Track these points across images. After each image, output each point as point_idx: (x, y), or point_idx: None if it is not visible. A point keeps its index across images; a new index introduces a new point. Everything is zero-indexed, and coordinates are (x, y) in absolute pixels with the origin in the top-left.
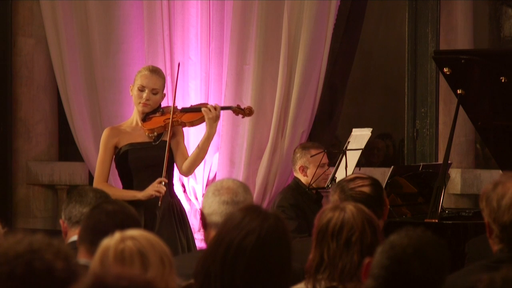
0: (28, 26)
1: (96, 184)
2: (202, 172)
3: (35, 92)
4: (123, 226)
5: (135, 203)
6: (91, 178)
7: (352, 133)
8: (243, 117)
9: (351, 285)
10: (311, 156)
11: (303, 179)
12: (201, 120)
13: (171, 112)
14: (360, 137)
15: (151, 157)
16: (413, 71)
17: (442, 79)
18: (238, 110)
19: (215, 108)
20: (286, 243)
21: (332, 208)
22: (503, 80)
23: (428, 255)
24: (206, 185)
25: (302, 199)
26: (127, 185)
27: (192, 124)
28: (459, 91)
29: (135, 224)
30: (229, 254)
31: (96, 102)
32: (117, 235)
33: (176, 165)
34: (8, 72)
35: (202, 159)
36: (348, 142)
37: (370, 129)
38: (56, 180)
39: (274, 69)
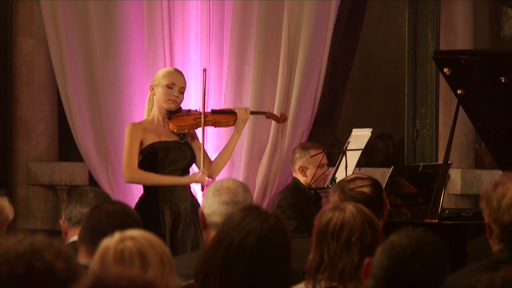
0: (28, 26)
1: (130, 171)
2: None
3: (35, 92)
4: (123, 226)
5: (155, 205)
6: (91, 178)
7: (352, 133)
8: (278, 123)
9: (351, 285)
10: (310, 157)
11: (302, 179)
12: (231, 123)
13: (202, 112)
14: (360, 137)
15: (178, 157)
16: (413, 71)
17: (442, 79)
18: (270, 115)
19: (246, 110)
20: (286, 243)
21: (332, 208)
22: (503, 80)
23: (428, 255)
24: (206, 185)
25: (301, 200)
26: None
27: (224, 124)
28: (459, 91)
29: (135, 224)
30: (229, 254)
31: (96, 102)
32: (117, 235)
33: (198, 167)
34: (8, 72)
35: (228, 160)
36: (348, 142)
37: (370, 129)
38: (56, 180)
39: (274, 69)
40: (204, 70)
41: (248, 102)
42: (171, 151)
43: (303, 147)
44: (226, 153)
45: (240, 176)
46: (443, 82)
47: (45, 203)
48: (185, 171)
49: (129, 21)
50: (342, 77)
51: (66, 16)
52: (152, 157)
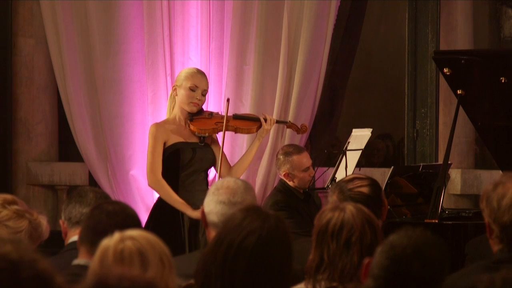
0: (28, 26)
1: (155, 177)
2: None
3: (35, 92)
4: (123, 226)
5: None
6: (91, 178)
7: (352, 133)
8: (298, 133)
9: (351, 285)
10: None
11: (290, 183)
12: (253, 130)
13: (225, 117)
14: (360, 137)
15: (200, 159)
16: (413, 71)
17: (442, 79)
18: (291, 125)
19: (271, 120)
20: (286, 244)
21: (332, 208)
22: (503, 81)
23: (427, 255)
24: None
25: (291, 200)
26: (169, 182)
27: (246, 131)
28: (459, 92)
29: (135, 224)
30: (230, 255)
31: (96, 102)
32: (116, 235)
33: (218, 171)
34: (8, 72)
35: (247, 166)
36: (348, 142)
37: (370, 130)
38: (56, 181)
39: (274, 69)
40: (228, 100)
41: (248, 102)
42: (194, 152)
43: (286, 153)
44: (246, 160)
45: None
46: (443, 82)
47: (45, 203)
48: (205, 173)
49: (129, 21)
50: (342, 77)
51: (66, 16)
52: (175, 157)
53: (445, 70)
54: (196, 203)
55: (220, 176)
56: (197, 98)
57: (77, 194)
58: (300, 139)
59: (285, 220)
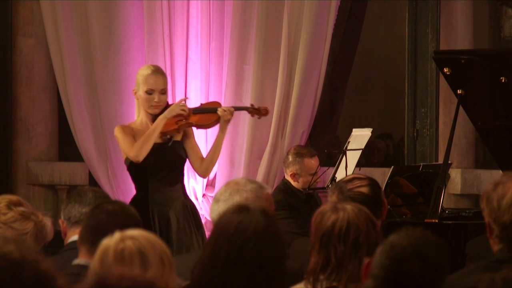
0: (28, 26)
1: (132, 150)
2: None
3: (35, 92)
4: (123, 226)
5: (146, 206)
6: (91, 178)
7: (352, 133)
8: (259, 118)
9: (351, 285)
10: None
11: (294, 183)
12: (215, 123)
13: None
14: (360, 137)
15: (166, 159)
16: (413, 71)
17: (442, 79)
18: (253, 111)
19: (229, 110)
20: (278, 242)
21: (332, 209)
22: (503, 80)
23: (428, 255)
24: (206, 185)
25: (292, 200)
26: (140, 186)
27: (206, 127)
28: (459, 91)
29: (135, 224)
30: (230, 268)
31: (96, 102)
32: (116, 235)
33: (193, 166)
34: (8, 72)
35: (217, 159)
36: (348, 142)
37: (370, 129)
38: (56, 180)
39: (274, 69)
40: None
41: (248, 102)
42: (159, 153)
43: (298, 154)
44: (214, 153)
45: (240, 176)
46: (443, 82)
47: (45, 203)
48: (180, 172)
49: (129, 21)
50: (342, 77)
51: (66, 16)
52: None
53: (445, 70)
54: (169, 204)
55: (194, 169)
56: (155, 101)
57: (77, 193)
58: (300, 139)
59: (283, 219)
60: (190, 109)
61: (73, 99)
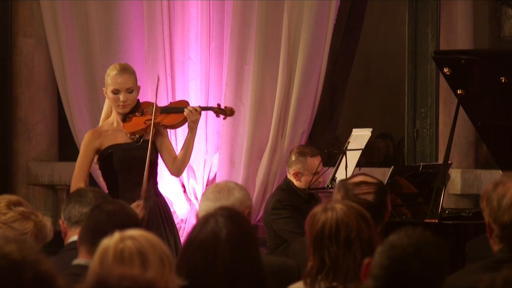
0: (28, 26)
1: (75, 184)
2: (202, 172)
3: (35, 92)
4: (123, 226)
5: None
6: (91, 178)
7: (352, 133)
8: (224, 118)
9: (351, 285)
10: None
11: (296, 183)
12: (182, 123)
13: (153, 114)
14: (360, 137)
15: (135, 158)
16: (413, 71)
17: (442, 79)
18: (219, 111)
19: (196, 110)
20: (249, 243)
21: (322, 210)
22: (503, 80)
23: (428, 255)
24: (206, 185)
25: (294, 200)
26: (111, 186)
27: (174, 127)
28: (459, 91)
29: (135, 224)
30: (205, 275)
31: (96, 102)
32: (116, 235)
33: (166, 165)
34: (8, 72)
35: (190, 158)
36: (348, 142)
37: (370, 129)
38: (56, 180)
39: (274, 69)
40: (158, 78)
41: (248, 102)
42: (127, 153)
43: (301, 153)
44: (186, 154)
45: (240, 176)
46: (443, 82)
47: (45, 203)
48: (153, 172)
49: (129, 21)
50: (342, 77)
51: (66, 16)
52: (109, 161)
53: (445, 70)
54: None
55: (167, 168)
56: (121, 101)
57: (77, 194)
58: (300, 139)
59: (284, 218)
60: (158, 108)
61: (73, 99)
